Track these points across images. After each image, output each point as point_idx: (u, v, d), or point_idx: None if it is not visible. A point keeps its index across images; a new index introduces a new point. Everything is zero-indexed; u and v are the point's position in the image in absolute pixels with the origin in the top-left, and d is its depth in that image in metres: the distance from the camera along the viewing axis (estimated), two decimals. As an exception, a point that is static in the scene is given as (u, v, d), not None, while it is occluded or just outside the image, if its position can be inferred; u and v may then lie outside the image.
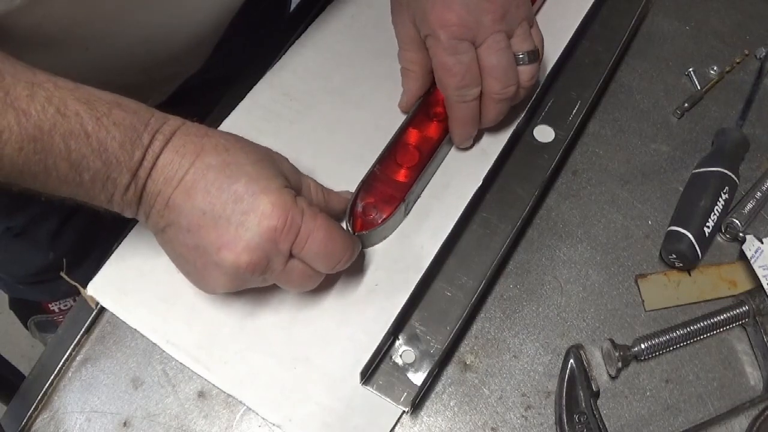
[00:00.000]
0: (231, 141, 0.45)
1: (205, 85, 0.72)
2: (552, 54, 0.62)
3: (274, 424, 0.49)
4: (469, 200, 0.55)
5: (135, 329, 0.51)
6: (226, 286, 0.45)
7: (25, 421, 0.50)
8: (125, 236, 0.54)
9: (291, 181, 0.47)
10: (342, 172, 0.56)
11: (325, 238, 0.45)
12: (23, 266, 0.89)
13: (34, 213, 0.76)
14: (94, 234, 0.82)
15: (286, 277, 0.46)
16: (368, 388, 0.49)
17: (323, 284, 0.50)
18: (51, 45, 0.50)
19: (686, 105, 0.66)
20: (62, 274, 0.53)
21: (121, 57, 0.57)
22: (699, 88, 0.68)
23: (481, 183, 0.55)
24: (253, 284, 0.47)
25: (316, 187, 0.51)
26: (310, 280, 0.48)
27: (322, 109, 0.60)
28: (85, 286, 0.52)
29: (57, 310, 1.15)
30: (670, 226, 0.58)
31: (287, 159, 0.49)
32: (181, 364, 0.51)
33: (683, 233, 0.57)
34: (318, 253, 0.45)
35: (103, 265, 0.53)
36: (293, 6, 0.77)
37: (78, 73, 0.54)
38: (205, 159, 0.43)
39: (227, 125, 0.59)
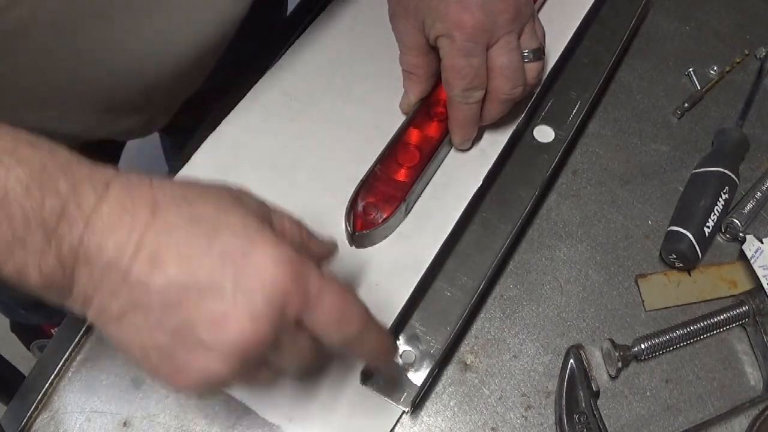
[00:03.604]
0: (185, 188, 0.35)
1: (203, 96, 0.70)
2: (552, 54, 0.62)
3: (274, 424, 0.49)
4: (469, 200, 0.55)
5: (135, 329, 0.51)
6: (217, 377, 0.34)
7: (25, 421, 0.50)
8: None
9: (266, 221, 0.37)
10: (342, 171, 0.56)
11: (338, 298, 0.35)
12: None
13: None
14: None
15: (288, 355, 0.36)
16: (368, 388, 0.49)
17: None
18: (39, 47, 0.47)
19: (686, 105, 0.66)
20: None
21: (120, 71, 0.55)
22: (699, 88, 0.68)
23: (481, 183, 0.55)
24: (244, 374, 0.35)
25: (293, 228, 0.40)
26: (310, 356, 0.37)
27: (322, 109, 0.60)
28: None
29: (58, 335, 1.15)
30: (670, 226, 0.58)
31: (249, 191, 0.38)
32: (181, 364, 0.51)
33: (683, 233, 0.57)
34: (330, 319, 0.35)
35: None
36: (290, 9, 0.77)
37: (71, 85, 0.52)
38: (164, 216, 0.33)
39: (227, 125, 0.59)
